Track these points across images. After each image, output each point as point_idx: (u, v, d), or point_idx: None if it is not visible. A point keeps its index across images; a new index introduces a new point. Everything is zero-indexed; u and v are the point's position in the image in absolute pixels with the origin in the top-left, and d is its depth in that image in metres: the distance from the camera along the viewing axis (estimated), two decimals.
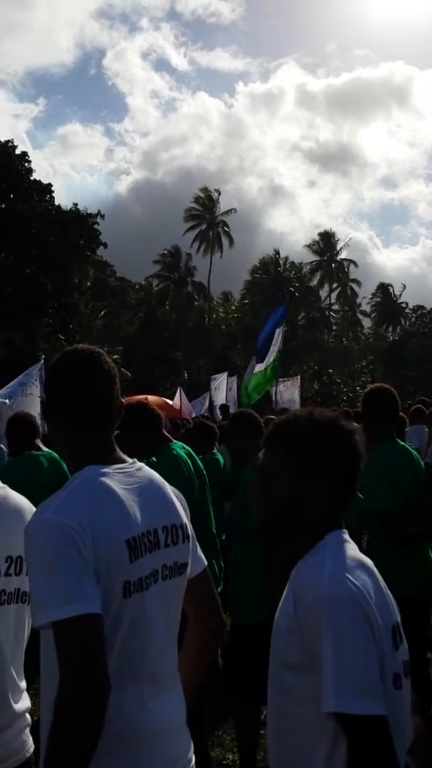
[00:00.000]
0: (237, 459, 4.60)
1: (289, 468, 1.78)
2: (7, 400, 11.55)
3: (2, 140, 38.77)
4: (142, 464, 1.93)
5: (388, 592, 1.76)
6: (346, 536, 1.78)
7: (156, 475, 1.95)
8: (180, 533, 1.92)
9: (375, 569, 1.75)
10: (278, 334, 13.23)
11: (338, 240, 64.31)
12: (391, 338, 63.46)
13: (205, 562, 2.08)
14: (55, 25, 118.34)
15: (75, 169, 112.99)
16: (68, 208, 38.93)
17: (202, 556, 2.08)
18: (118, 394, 1.92)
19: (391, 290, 64.53)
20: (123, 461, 1.89)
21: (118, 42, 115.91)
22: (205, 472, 4.72)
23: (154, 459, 4.22)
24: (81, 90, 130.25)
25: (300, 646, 1.62)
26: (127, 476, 1.84)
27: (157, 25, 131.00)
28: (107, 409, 1.89)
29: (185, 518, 1.97)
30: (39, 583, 1.63)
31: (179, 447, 4.53)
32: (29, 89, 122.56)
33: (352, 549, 1.74)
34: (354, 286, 63.66)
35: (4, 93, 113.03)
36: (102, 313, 50.72)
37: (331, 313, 64.03)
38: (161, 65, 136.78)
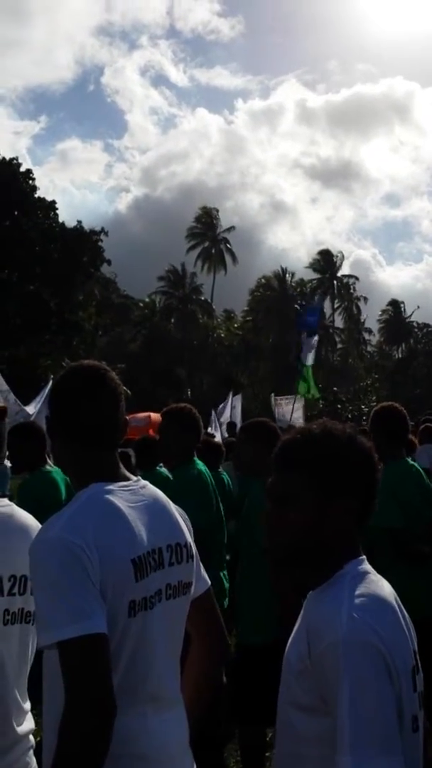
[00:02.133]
0: (249, 471, 4.53)
1: (311, 493, 1.63)
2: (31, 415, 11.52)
3: (7, 158, 39.10)
4: (146, 482, 1.92)
5: (409, 622, 1.67)
6: (366, 566, 1.67)
7: (160, 494, 1.94)
8: (184, 552, 1.90)
9: (395, 601, 1.64)
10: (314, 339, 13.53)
11: (338, 257, 64.60)
12: (397, 356, 63.50)
13: (209, 582, 2.07)
14: (54, 43, 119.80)
15: (75, 186, 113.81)
16: (71, 226, 39.18)
17: (206, 576, 2.06)
18: (123, 411, 1.91)
19: (403, 307, 64.64)
20: (127, 479, 1.87)
21: (118, 59, 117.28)
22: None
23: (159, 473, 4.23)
24: (80, 107, 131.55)
25: (312, 689, 1.54)
26: (132, 494, 1.83)
27: (156, 43, 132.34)
28: (112, 426, 1.88)
29: (189, 537, 1.95)
30: (44, 601, 1.60)
31: (201, 464, 4.54)
32: (29, 106, 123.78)
33: (372, 581, 1.63)
34: (360, 303, 63.88)
35: (3, 110, 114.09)
36: (105, 330, 50.82)
37: (335, 330, 64.13)
38: (161, 82, 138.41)
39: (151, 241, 75.35)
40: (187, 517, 2.01)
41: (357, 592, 1.57)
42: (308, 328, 13.65)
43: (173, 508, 1.96)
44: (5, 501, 2.15)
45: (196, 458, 4.52)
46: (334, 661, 1.48)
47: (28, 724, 2.08)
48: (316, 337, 13.42)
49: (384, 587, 1.65)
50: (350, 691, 1.44)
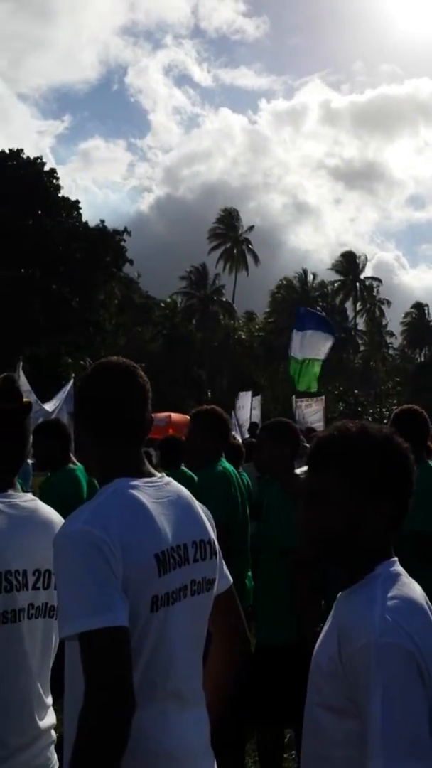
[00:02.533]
0: (269, 471, 4.53)
1: (347, 492, 1.62)
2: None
3: (32, 157, 39.36)
4: (170, 479, 1.92)
5: None
6: (398, 567, 1.65)
7: (184, 491, 1.94)
8: (208, 549, 1.91)
9: (426, 604, 1.62)
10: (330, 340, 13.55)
11: (361, 259, 64.29)
12: (420, 360, 63.07)
13: (231, 580, 2.07)
14: (79, 42, 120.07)
15: (97, 185, 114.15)
16: (93, 225, 39.36)
17: (228, 573, 2.06)
18: (150, 408, 1.92)
19: (426, 310, 64.19)
20: (152, 475, 1.88)
21: (142, 59, 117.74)
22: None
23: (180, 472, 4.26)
24: (104, 106, 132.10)
25: (342, 691, 1.53)
26: (157, 490, 1.83)
27: (180, 42, 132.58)
28: (140, 422, 1.89)
29: (213, 534, 1.96)
30: (66, 593, 1.61)
31: (227, 464, 4.59)
32: (53, 105, 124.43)
33: (404, 584, 1.61)
34: (383, 306, 63.54)
35: (28, 109, 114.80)
36: (126, 330, 50.97)
37: (357, 333, 63.85)
38: (184, 82, 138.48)
39: (173, 241, 75.43)
40: (210, 514, 2.01)
41: (389, 594, 1.55)
42: (301, 326, 13.86)
43: (197, 505, 1.96)
44: (29, 496, 2.16)
45: (223, 459, 4.54)
46: (365, 664, 1.46)
47: (49, 718, 2.09)
48: (308, 332, 13.46)
49: (416, 590, 1.63)
50: (382, 695, 1.42)
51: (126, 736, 1.52)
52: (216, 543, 1.96)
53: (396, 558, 1.67)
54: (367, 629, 1.49)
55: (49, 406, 12.41)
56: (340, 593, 1.66)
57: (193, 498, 1.97)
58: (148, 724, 1.67)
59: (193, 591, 1.84)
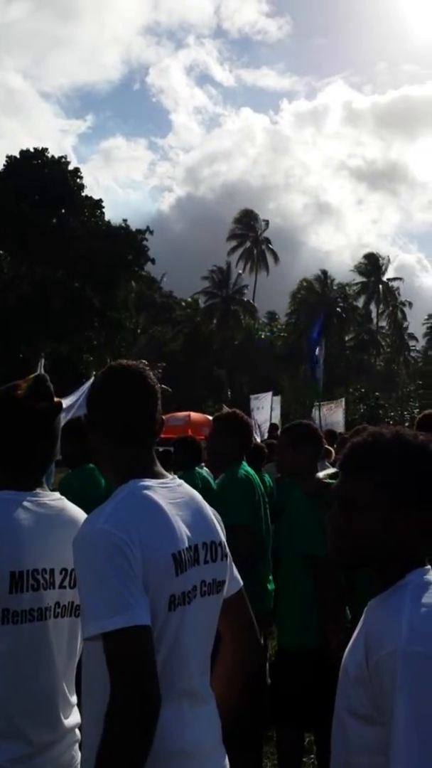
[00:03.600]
0: (290, 474, 4.52)
1: (381, 499, 1.60)
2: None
3: (56, 156, 39.58)
4: (181, 481, 1.95)
5: None
6: (430, 576, 1.62)
7: (195, 493, 1.97)
8: (219, 551, 1.93)
9: None
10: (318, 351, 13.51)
11: (384, 261, 63.89)
12: None
13: (241, 582, 2.08)
14: (102, 42, 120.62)
15: (118, 184, 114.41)
16: (115, 224, 39.50)
17: (238, 576, 2.07)
18: (160, 409, 1.94)
19: None
20: (164, 476, 1.91)
21: (164, 59, 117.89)
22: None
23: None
24: (126, 106, 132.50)
25: (369, 699, 1.52)
26: (170, 491, 1.86)
27: (203, 42, 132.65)
28: (149, 424, 1.91)
29: (223, 537, 1.97)
30: (89, 593, 1.63)
31: (249, 468, 4.61)
32: (75, 104, 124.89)
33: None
34: (405, 308, 63.16)
35: (50, 107, 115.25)
36: (149, 329, 51.13)
37: (380, 335, 63.53)
38: (206, 82, 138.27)
39: (193, 240, 75.63)
40: (220, 517, 2.03)
41: (419, 602, 1.54)
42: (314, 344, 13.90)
43: (208, 507, 1.99)
44: (56, 495, 2.17)
45: (244, 462, 4.54)
46: (391, 671, 1.45)
47: (74, 717, 2.09)
48: (318, 349, 13.52)
49: None
50: (408, 703, 1.41)
51: (152, 734, 1.54)
52: (226, 545, 1.98)
53: (429, 567, 1.65)
54: (394, 637, 1.48)
55: (66, 401, 12.44)
56: (370, 601, 1.65)
57: (203, 500, 1.99)
58: (165, 721, 1.67)
59: (204, 592, 1.86)
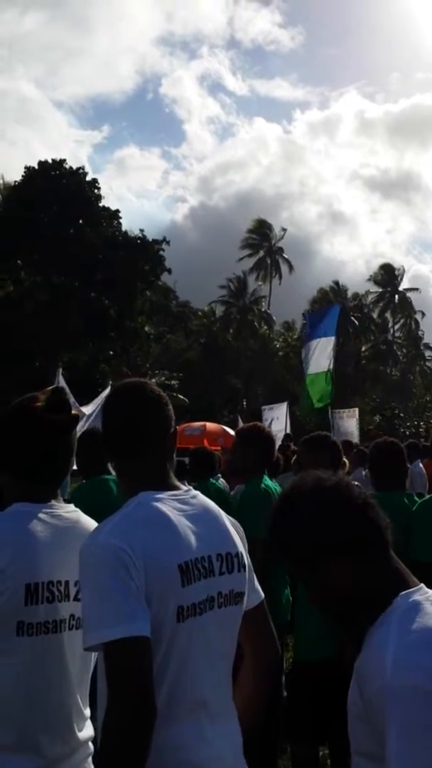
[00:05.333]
0: None
1: (321, 562, 1.59)
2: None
3: (74, 167, 39.87)
4: (197, 492, 1.96)
5: None
6: (418, 595, 1.55)
7: (212, 504, 1.97)
8: (235, 562, 1.92)
9: None
10: (330, 342, 12.65)
11: (399, 271, 63.58)
12: None
13: (262, 595, 2.08)
14: (116, 52, 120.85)
15: (132, 194, 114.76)
16: (131, 234, 39.68)
17: (259, 588, 2.07)
18: (168, 420, 1.97)
19: None
20: (177, 488, 1.92)
21: (178, 69, 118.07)
22: None
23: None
24: (139, 116, 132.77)
25: (371, 736, 1.48)
26: (181, 503, 1.87)
27: (216, 53, 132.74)
28: (157, 437, 1.94)
29: (241, 548, 1.97)
30: (90, 603, 1.66)
31: (270, 481, 4.64)
32: (90, 114, 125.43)
33: (426, 614, 1.50)
34: (418, 318, 62.88)
35: (64, 117, 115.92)
36: (163, 338, 51.19)
37: (396, 344, 63.24)
38: (220, 92, 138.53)
39: (207, 250, 75.50)
40: (241, 529, 2.03)
41: (405, 629, 1.47)
42: (310, 337, 12.87)
43: (225, 518, 1.99)
44: (71, 507, 2.17)
45: (265, 476, 4.55)
46: (382, 707, 1.40)
47: (88, 730, 2.09)
48: (318, 341, 12.43)
49: None
50: (397, 740, 1.36)
51: (147, 742, 1.55)
52: (246, 557, 1.98)
53: (420, 585, 1.60)
54: (381, 671, 1.42)
55: (87, 409, 12.45)
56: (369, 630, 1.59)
57: (222, 512, 1.99)
58: (183, 734, 1.69)
59: (221, 603, 1.86)
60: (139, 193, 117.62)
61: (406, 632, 1.46)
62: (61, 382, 11.42)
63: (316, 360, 12.84)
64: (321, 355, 12.73)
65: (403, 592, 1.55)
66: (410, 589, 1.57)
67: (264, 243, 61.17)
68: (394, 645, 1.45)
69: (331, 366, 12.41)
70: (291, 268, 61.37)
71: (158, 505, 1.81)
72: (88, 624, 1.64)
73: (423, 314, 63.18)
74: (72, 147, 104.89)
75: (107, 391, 12.94)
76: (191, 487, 1.97)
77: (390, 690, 1.39)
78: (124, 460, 1.95)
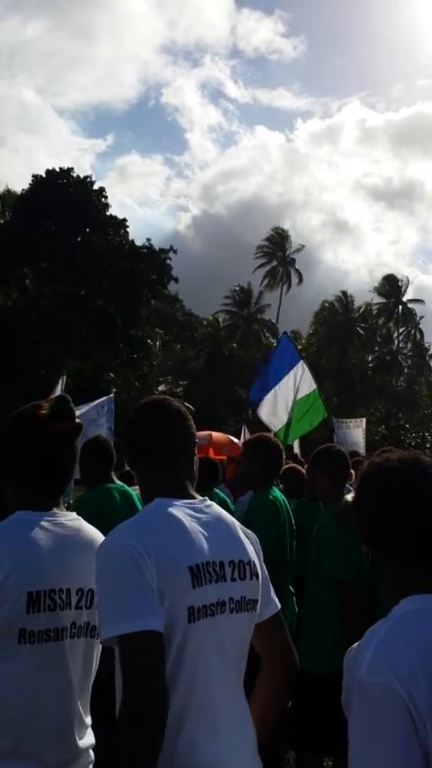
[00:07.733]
0: (320, 498, 4.49)
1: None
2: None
3: (81, 176, 40.05)
4: (212, 503, 2.02)
5: None
6: (422, 604, 1.53)
7: (225, 513, 2.03)
8: (248, 570, 1.95)
9: None
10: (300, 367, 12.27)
11: (403, 282, 63.46)
12: None
13: (278, 605, 2.10)
14: (118, 60, 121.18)
15: (134, 201, 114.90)
16: (138, 243, 39.82)
17: (276, 599, 2.09)
18: (190, 434, 2.07)
19: None
20: (193, 497, 1.98)
21: (180, 78, 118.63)
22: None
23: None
24: (142, 124, 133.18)
25: None
26: (196, 511, 1.93)
27: (218, 62, 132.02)
28: (180, 449, 2.03)
29: (254, 557, 2.00)
30: (105, 601, 1.74)
31: (278, 493, 4.67)
32: (92, 123, 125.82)
33: (420, 619, 1.50)
34: (423, 329, 62.84)
35: (66, 125, 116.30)
36: (169, 346, 51.28)
37: (401, 355, 63.17)
38: (222, 101, 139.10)
39: (209, 258, 75.55)
40: (256, 539, 2.07)
41: (393, 631, 1.49)
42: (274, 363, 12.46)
43: (239, 527, 2.03)
44: (73, 515, 2.18)
45: (274, 487, 4.55)
46: (353, 702, 1.45)
47: (88, 738, 2.09)
48: (291, 372, 12.00)
49: None
50: (355, 737, 1.41)
51: (160, 734, 1.60)
52: (259, 566, 2.01)
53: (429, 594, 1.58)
54: (358, 667, 1.47)
55: (77, 412, 12.28)
56: None
57: (235, 521, 2.04)
58: (192, 735, 1.73)
59: (232, 609, 1.89)
60: (142, 201, 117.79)
61: (393, 635, 1.48)
62: (61, 389, 11.33)
63: (300, 388, 12.46)
64: (303, 381, 12.44)
65: (410, 597, 1.56)
66: (417, 595, 1.56)
67: (278, 252, 61.26)
68: (375, 644, 1.48)
69: (313, 386, 12.21)
70: (300, 279, 61.51)
71: (172, 510, 1.88)
72: (103, 619, 1.72)
73: (421, 332, 62.82)
74: (75, 155, 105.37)
75: (106, 398, 12.90)
76: (206, 498, 2.03)
77: (360, 684, 1.44)
78: (146, 467, 2.04)
